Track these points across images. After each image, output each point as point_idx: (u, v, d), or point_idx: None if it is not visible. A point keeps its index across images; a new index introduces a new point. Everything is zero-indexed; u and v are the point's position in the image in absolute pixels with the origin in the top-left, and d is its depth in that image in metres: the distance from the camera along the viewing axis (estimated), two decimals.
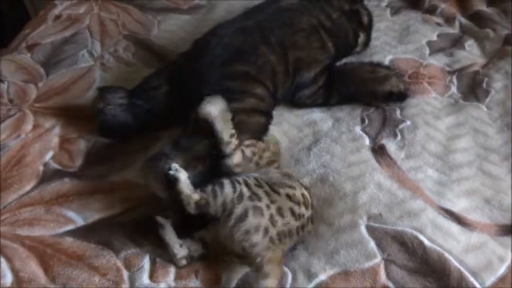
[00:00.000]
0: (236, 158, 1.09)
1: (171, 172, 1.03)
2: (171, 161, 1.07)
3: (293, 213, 0.98)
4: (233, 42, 1.31)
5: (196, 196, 0.99)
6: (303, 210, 1.00)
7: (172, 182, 1.02)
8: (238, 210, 0.96)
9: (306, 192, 1.03)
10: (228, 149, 1.08)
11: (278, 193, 0.99)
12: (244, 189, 0.98)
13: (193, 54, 1.37)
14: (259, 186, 1.00)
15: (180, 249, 1.02)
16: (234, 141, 1.09)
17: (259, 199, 0.98)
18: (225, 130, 1.08)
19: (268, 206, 0.97)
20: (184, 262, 1.02)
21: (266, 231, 0.95)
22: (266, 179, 1.04)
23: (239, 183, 1.00)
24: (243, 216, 0.96)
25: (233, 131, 1.09)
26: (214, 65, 1.27)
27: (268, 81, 1.30)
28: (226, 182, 1.00)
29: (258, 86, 1.27)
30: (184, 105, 1.21)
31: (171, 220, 1.05)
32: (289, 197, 1.00)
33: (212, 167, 1.11)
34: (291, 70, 1.36)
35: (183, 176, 1.03)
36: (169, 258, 1.03)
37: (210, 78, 1.26)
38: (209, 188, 1.00)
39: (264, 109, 1.27)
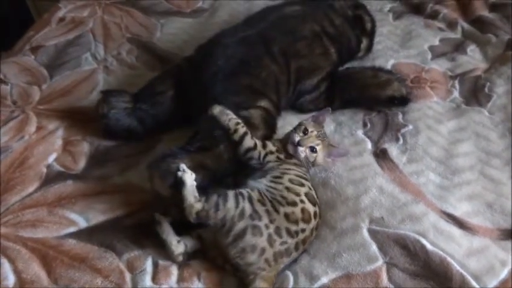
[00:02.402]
0: (246, 143, 1.11)
1: (179, 173, 1.04)
2: (179, 161, 1.08)
3: (289, 232, 1.00)
4: (237, 54, 1.31)
5: (198, 206, 1.00)
6: (301, 226, 1.01)
7: (178, 184, 1.03)
8: (238, 228, 0.98)
9: (307, 207, 1.03)
10: (236, 136, 1.11)
11: (278, 212, 1.00)
12: (247, 206, 1.00)
13: (197, 62, 1.37)
14: (262, 203, 1.01)
15: (177, 245, 1.04)
16: (241, 129, 1.12)
17: (260, 218, 0.99)
18: (230, 121, 1.12)
19: (267, 226, 0.99)
20: (181, 258, 1.04)
21: (263, 251, 0.97)
22: (273, 191, 1.04)
23: (243, 197, 1.01)
24: (242, 234, 0.97)
25: (238, 120, 1.13)
26: (218, 78, 1.28)
27: (272, 93, 1.31)
28: (231, 195, 1.01)
29: (263, 99, 1.28)
30: (189, 111, 1.22)
31: (169, 218, 1.06)
32: (287, 216, 1.00)
33: (215, 179, 1.12)
34: (293, 79, 1.36)
35: (190, 180, 1.04)
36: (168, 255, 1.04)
37: (215, 92, 1.26)
38: (213, 198, 1.00)
39: (269, 122, 1.28)
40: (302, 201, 1.03)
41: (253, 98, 1.27)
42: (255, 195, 1.02)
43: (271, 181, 1.07)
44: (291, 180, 1.06)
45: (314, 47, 1.41)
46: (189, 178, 1.04)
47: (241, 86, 1.28)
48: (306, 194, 1.05)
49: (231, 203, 0.99)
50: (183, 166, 1.06)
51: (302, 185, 1.07)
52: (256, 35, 1.36)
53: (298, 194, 1.04)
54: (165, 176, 1.07)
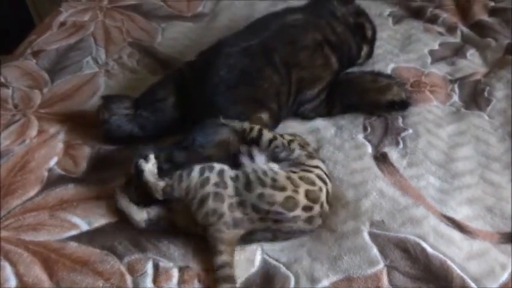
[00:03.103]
0: (266, 135, 1.17)
1: (138, 161, 1.10)
2: (149, 151, 1.14)
3: (255, 208, 1.03)
4: (239, 64, 1.31)
5: (162, 183, 1.07)
6: (277, 208, 1.03)
7: (139, 172, 1.09)
8: (200, 194, 1.04)
9: (298, 198, 1.04)
10: (254, 133, 1.17)
11: (250, 191, 1.04)
12: (213, 176, 1.05)
13: (199, 69, 1.37)
14: (235, 180, 1.06)
15: (138, 213, 1.10)
16: (256, 126, 1.18)
17: (225, 187, 1.04)
18: (243, 124, 1.20)
19: (230, 196, 1.04)
20: (143, 224, 1.09)
21: (222, 215, 1.02)
22: (269, 173, 1.06)
23: (210, 170, 1.07)
24: (204, 199, 1.03)
25: (250, 124, 1.19)
26: (220, 88, 1.28)
27: (273, 104, 1.32)
28: (196, 168, 1.07)
29: (264, 110, 1.29)
30: (190, 117, 1.22)
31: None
32: (260, 196, 1.03)
33: None
34: (294, 90, 1.36)
35: (148, 166, 1.10)
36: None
37: (217, 103, 1.27)
38: (177, 173, 1.08)
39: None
40: (295, 191, 1.04)
41: (254, 109, 1.28)
42: (228, 171, 1.08)
43: (291, 170, 1.09)
44: (303, 177, 1.08)
45: (315, 57, 1.40)
46: (148, 165, 1.10)
47: (243, 97, 1.29)
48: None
49: (195, 173, 1.06)
50: (150, 156, 1.12)
51: (314, 183, 1.08)
52: (258, 45, 1.35)
53: (296, 185, 1.05)
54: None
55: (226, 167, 1.09)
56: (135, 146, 1.27)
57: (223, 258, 1.00)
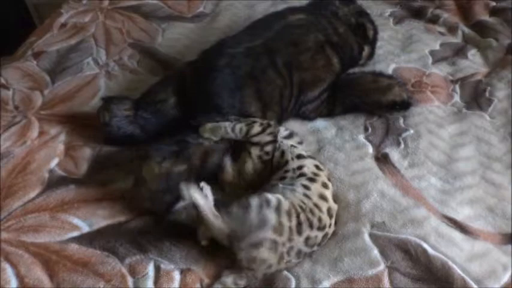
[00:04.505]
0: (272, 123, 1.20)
1: (192, 194, 1.01)
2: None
3: (299, 253, 1.00)
4: (242, 66, 1.30)
5: (226, 230, 0.99)
6: (313, 248, 1.03)
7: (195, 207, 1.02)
8: (255, 237, 0.96)
9: (330, 231, 1.05)
10: (257, 126, 1.18)
11: (300, 234, 0.99)
12: (271, 216, 0.97)
13: (200, 69, 1.36)
14: (289, 218, 0.99)
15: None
16: (260, 121, 1.19)
17: (281, 233, 0.97)
18: (236, 126, 1.18)
19: (283, 244, 0.98)
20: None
21: (269, 267, 0.98)
22: (313, 210, 1.03)
23: (268, 205, 0.98)
24: (258, 245, 0.96)
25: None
26: (223, 90, 1.28)
27: (276, 106, 1.32)
28: (254, 206, 0.98)
29: (267, 113, 1.29)
30: (191, 117, 1.22)
31: None
32: (307, 240, 1.00)
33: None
34: (296, 92, 1.36)
35: (202, 200, 1.01)
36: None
37: (220, 104, 1.27)
38: (233, 211, 0.99)
39: None
40: (330, 226, 1.05)
41: (258, 112, 1.28)
42: (285, 205, 0.99)
43: (307, 196, 1.05)
44: (334, 197, 1.09)
45: (317, 58, 1.40)
46: (200, 198, 1.01)
47: (247, 99, 1.29)
48: (336, 216, 1.08)
49: (253, 214, 0.97)
50: (204, 186, 1.05)
51: (332, 200, 1.09)
52: (261, 46, 1.34)
53: (332, 216, 1.06)
54: (158, 197, 1.12)
55: (282, 199, 1.00)
56: (139, 147, 1.27)
57: (240, 282, 0.98)
